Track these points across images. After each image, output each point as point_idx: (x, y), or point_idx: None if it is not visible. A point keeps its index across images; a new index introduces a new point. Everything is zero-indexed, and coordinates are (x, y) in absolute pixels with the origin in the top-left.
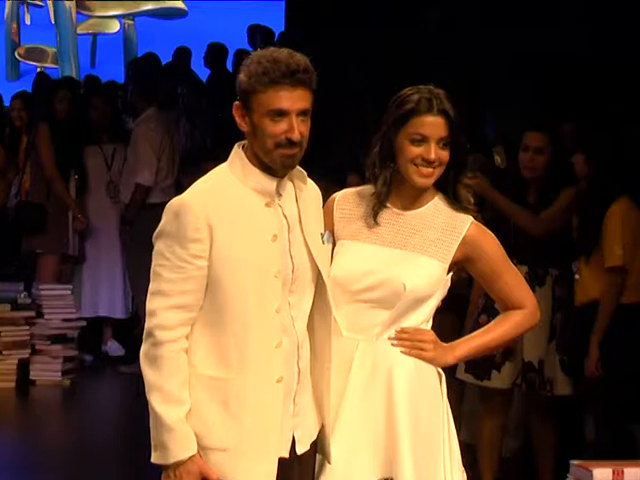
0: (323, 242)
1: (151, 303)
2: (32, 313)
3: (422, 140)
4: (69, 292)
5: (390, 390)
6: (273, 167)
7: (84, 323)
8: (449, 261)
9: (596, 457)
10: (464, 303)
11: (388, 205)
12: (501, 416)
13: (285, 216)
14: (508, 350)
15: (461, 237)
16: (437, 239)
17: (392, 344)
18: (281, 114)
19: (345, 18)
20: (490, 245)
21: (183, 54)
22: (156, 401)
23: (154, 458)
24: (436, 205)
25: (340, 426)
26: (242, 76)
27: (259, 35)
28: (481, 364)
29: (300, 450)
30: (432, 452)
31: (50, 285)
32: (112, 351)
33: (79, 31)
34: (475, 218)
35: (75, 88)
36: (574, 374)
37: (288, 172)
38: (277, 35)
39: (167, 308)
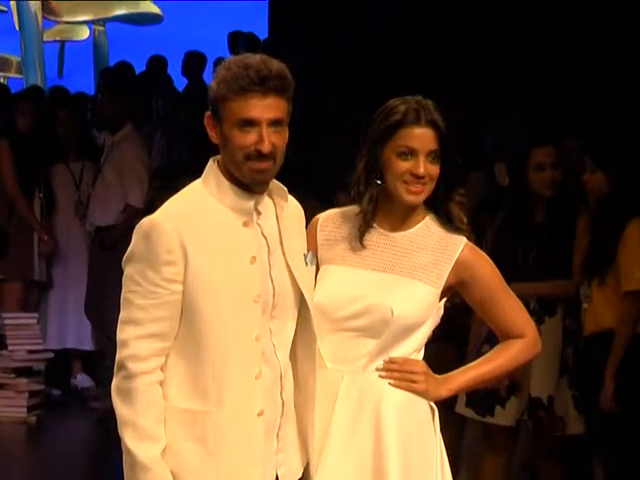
0: (306, 263)
1: (122, 333)
2: None
3: (410, 154)
4: (35, 321)
5: (378, 427)
6: (244, 182)
7: (51, 355)
8: (441, 286)
9: None
10: (461, 331)
11: (375, 226)
12: (504, 454)
13: (264, 236)
14: (514, 384)
15: (454, 260)
16: (428, 262)
17: (380, 375)
18: (251, 124)
19: (336, 19)
20: (485, 268)
21: (157, 63)
22: (129, 438)
23: None
24: (427, 226)
25: (325, 465)
26: (213, 83)
27: (241, 42)
28: (484, 398)
29: None
30: None
31: (14, 314)
32: (82, 385)
33: (46, 38)
34: (468, 239)
35: (39, 99)
36: (586, 411)
37: (263, 188)
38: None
39: (140, 337)
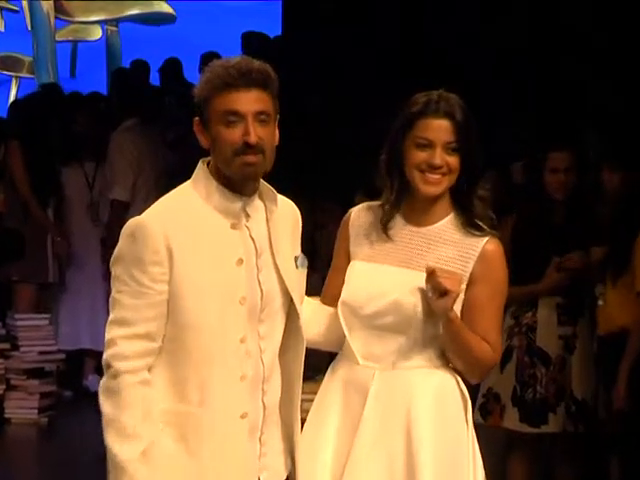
0: (297, 266)
1: (109, 332)
2: (7, 345)
3: (427, 145)
4: (47, 322)
5: (409, 425)
6: (235, 179)
7: (63, 356)
8: (466, 280)
9: None
10: None
11: (401, 220)
12: (533, 459)
13: (252, 238)
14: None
15: (478, 253)
16: (453, 257)
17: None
18: (236, 116)
19: (350, 19)
20: (499, 274)
21: (172, 66)
22: (111, 437)
23: None
24: (452, 220)
25: (354, 463)
26: (196, 87)
27: (254, 42)
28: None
29: None
30: None
31: (26, 315)
32: (94, 386)
33: (58, 38)
34: (493, 236)
35: (54, 98)
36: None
37: (253, 185)
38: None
39: (127, 337)
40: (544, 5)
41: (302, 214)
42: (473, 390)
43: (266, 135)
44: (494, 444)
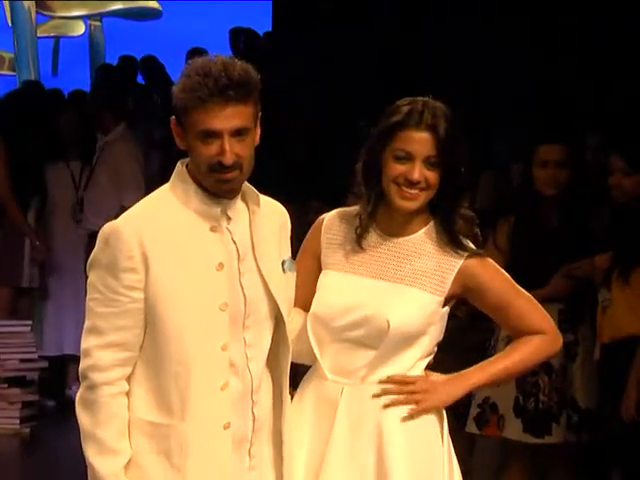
0: (284, 270)
1: (85, 342)
2: None
3: (406, 158)
4: (28, 329)
5: (380, 443)
6: (212, 191)
7: (45, 364)
8: (445, 293)
9: None
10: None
11: (376, 230)
12: (530, 469)
13: (234, 242)
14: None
15: (457, 267)
16: (430, 269)
17: (375, 395)
18: (212, 135)
19: (341, 18)
20: (490, 273)
21: (152, 64)
22: (90, 452)
23: None
24: (430, 232)
25: None
26: (175, 90)
27: (242, 39)
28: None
29: None
30: None
31: (5, 321)
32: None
33: (39, 34)
34: (473, 252)
35: (38, 96)
36: (604, 419)
37: (232, 196)
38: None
39: (101, 347)
40: (544, 5)
41: (295, 216)
42: (466, 401)
43: (243, 150)
44: (489, 455)
